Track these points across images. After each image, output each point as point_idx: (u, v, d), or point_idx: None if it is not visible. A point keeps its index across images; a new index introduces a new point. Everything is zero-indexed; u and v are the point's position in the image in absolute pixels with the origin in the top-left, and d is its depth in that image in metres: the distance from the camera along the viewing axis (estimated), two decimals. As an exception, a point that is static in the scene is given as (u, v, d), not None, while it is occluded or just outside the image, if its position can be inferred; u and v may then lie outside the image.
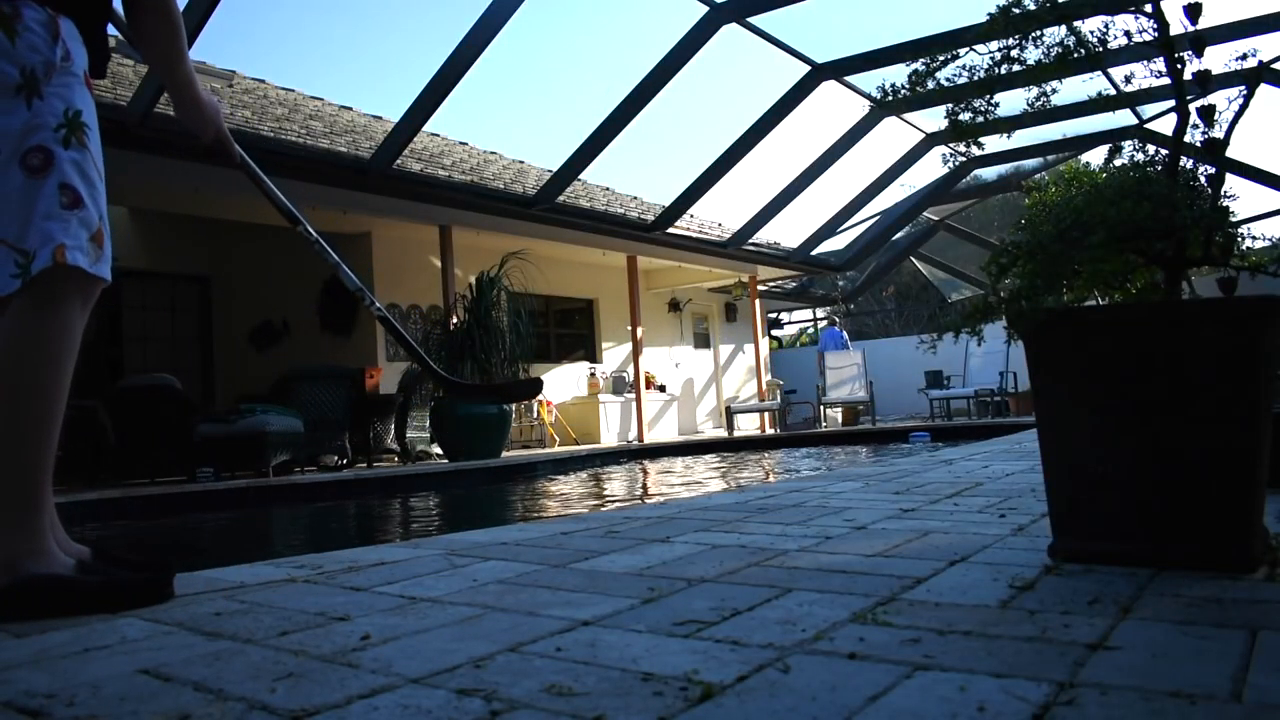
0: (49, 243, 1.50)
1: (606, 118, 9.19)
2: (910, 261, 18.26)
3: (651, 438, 13.01)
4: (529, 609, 1.44)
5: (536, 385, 2.70)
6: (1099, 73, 1.97)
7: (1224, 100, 1.75)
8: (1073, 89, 2.27)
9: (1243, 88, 1.76)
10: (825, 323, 17.34)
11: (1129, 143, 1.87)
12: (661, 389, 14.73)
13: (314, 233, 2.21)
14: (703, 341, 17.13)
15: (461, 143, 13.12)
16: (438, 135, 12.54)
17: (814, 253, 14.98)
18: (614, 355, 14.91)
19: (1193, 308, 1.61)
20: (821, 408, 14.81)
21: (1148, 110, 10.92)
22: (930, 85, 1.94)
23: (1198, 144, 1.75)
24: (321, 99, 12.06)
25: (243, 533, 5.86)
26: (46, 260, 1.49)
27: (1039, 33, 1.82)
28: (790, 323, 23.02)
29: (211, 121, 1.96)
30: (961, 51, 1.87)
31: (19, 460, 1.51)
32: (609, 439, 12.97)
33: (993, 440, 6.31)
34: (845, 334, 16.91)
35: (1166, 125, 3.66)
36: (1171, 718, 0.86)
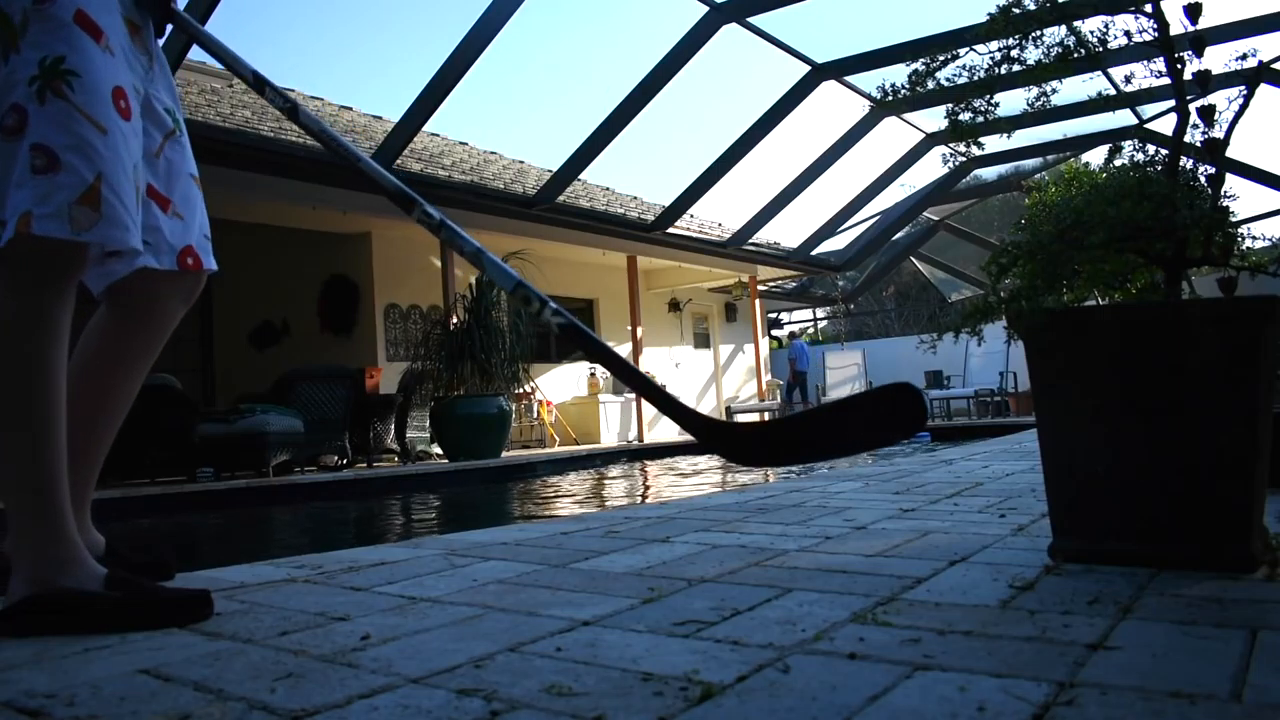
0: (15, 212, 1.35)
1: (607, 118, 9.19)
2: (910, 261, 18.27)
3: (651, 438, 13.01)
4: (529, 609, 1.44)
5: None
6: (1099, 73, 1.97)
7: (1224, 100, 1.75)
8: (1073, 89, 2.27)
9: (1243, 88, 1.77)
10: (800, 334, 17.56)
11: (1129, 143, 1.87)
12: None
13: (437, 214, 1.67)
14: (703, 341, 17.12)
15: (461, 143, 13.12)
16: (438, 135, 12.54)
17: (814, 253, 14.98)
18: (614, 355, 14.89)
19: (1193, 308, 1.61)
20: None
21: (1148, 110, 10.93)
22: (930, 85, 1.94)
23: (1198, 144, 1.75)
24: (321, 99, 12.06)
25: (243, 533, 5.86)
26: (10, 231, 1.35)
27: (1039, 33, 1.82)
28: (790, 323, 23.04)
29: None
30: (961, 51, 1.87)
31: (9, 470, 1.40)
32: (609, 439, 12.96)
33: (993, 440, 6.31)
34: (805, 344, 17.11)
35: (1166, 125, 3.67)
36: (1171, 718, 0.86)
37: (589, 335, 1.50)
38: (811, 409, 1.45)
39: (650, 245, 12.34)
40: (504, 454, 9.31)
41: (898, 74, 1.98)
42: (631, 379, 1.46)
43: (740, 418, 14.97)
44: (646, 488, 7.45)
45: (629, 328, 13.26)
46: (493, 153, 13.43)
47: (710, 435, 1.45)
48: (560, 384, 13.47)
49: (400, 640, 1.26)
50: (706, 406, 16.58)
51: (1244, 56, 1.77)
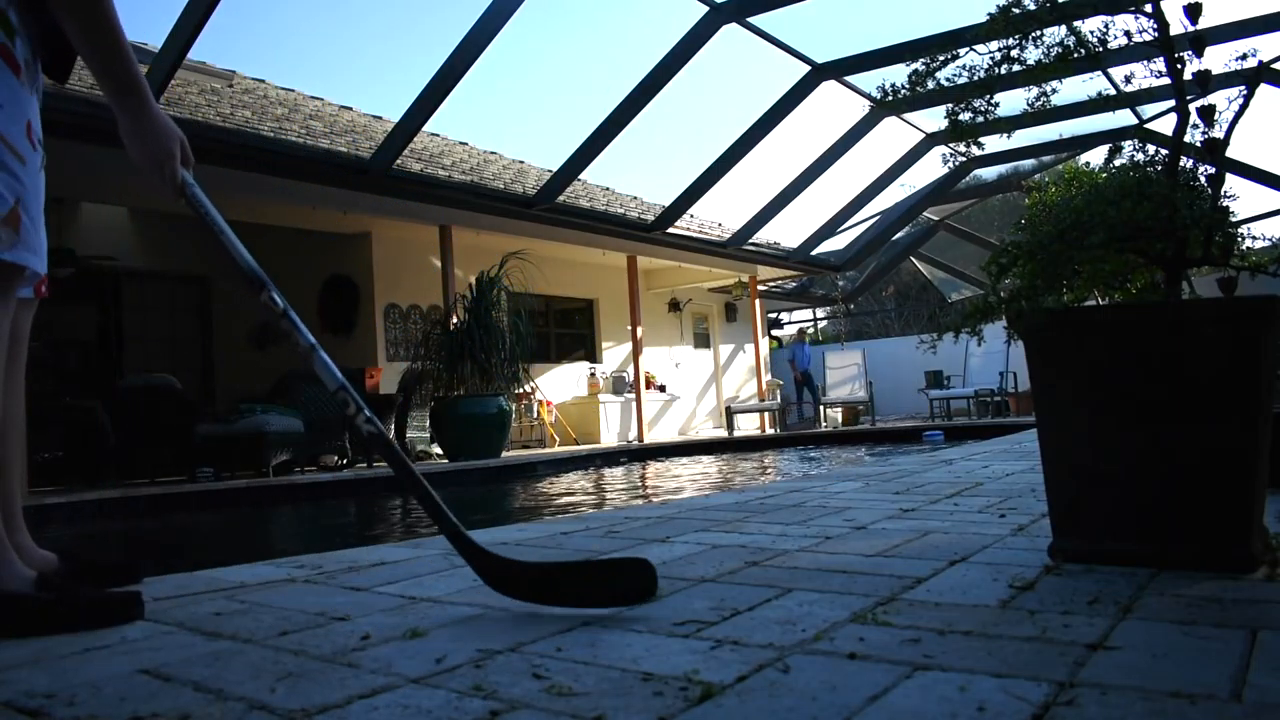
0: None
1: (606, 118, 9.19)
2: (910, 261, 18.26)
3: (651, 438, 13.01)
4: (529, 609, 1.44)
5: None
6: (1099, 73, 1.97)
7: (1224, 100, 1.76)
8: (1073, 89, 2.27)
9: (1243, 88, 1.77)
10: (796, 337, 17.37)
11: (1129, 143, 1.87)
12: (661, 389, 14.73)
13: (281, 301, 1.78)
14: (703, 341, 17.13)
15: (461, 143, 13.12)
16: (438, 135, 12.54)
17: (814, 253, 14.98)
18: (614, 355, 14.91)
19: (1193, 308, 1.61)
20: (821, 408, 14.81)
21: (1148, 110, 10.92)
22: (930, 85, 1.94)
23: (1198, 144, 1.75)
24: (321, 99, 12.06)
25: (243, 533, 5.86)
26: None
27: (1039, 33, 1.82)
28: (790, 323, 23.02)
29: (159, 154, 1.60)
30: (961, 51, 1.88)
31: None
32: (609, 439, 12.96)
33: (993, 440, 6.31)
34: (807, 345, 16.90)
35: (1166, 125, 3.68)
36: (1171, 718, 0.86)
37: (395, 451, 1.60)
38: (569, 564, 1.58)
39: (650, 245, 12.33)
40: (504, 454, 9.31)
41: (898, 74, 1.98)
42: (427, 502, 1.54)
43: (740, 418, 14.97)
44: (646, 488, 7.45)
45: (629, 328, 13.26)
46: (493, 153, 13.43)
47: (483, 566, 1.51)
48: (560, 384, 13.47)
49: (400, 640, 1.26)
50: (707, 407, 16.60)
51: (1244, 56, 1.77)
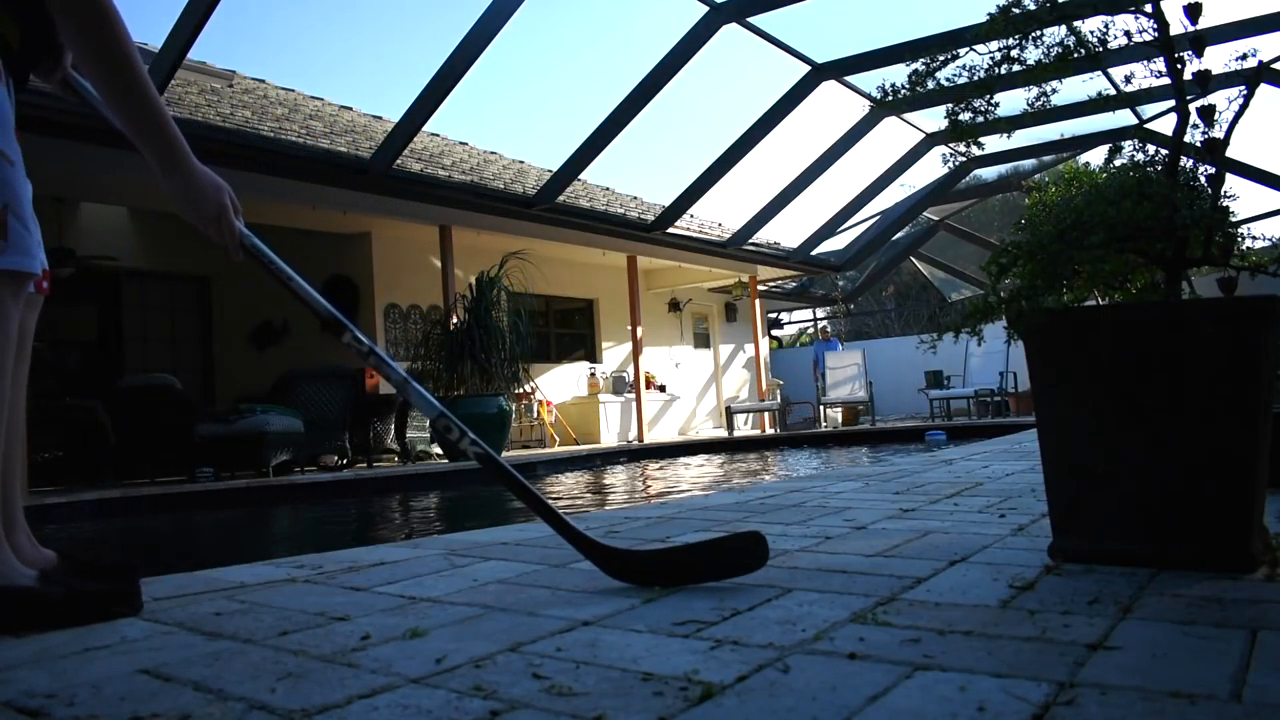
0: None
1: (606, 118, 9.18)
2: (910, 261, 18.26)
3: (651, 438, 13.00)
4: (529, 609, 1.44)
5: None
6: (1099, 73, 1.97)
7: (1224, 100, 1.76)
8: (1073, 89, 2.27)
9: (1243, 88, 1.77)
10: (820, 332, 17.17)
11: (1129, 143, 1.87)
12: (661, 389, 14.73)
13: (366, 340, 1.74)
14: (703, 341, 17.12)
15: (461, 143, 13.12)
16: (438, 135, 12.54)
17: (814, 253, 14.98)
18: (614, 355, 14.91)
19: (1192, 308, 1.61)
20: (821, 408, 14.81)
21: (1148, 110, 10.92)
22: (930, 85, 1.94)
23: (1198, 144, 1.75)
24: (322, 99, 12.06)
25: (243, 533, 5.86)
26: None
27: (1039, 33, 1.82)
28: (790, 323, 23.03)
29: (211, 212, 1.60)
30: (961, 51, 1.88)
31: None
32: (609, 439, 12.96)
33: (993, 440, 6.31)
34: (834, 343, 16.71)
35: (1166, 125, 3.68)
36: (1171, 718, 0.86)
37: (504, 468, 1.64)
38: (681, 546, 1.68)
39: (650, 245, 12.33)
40: (504, 454, 9.31)
41: (898, 74, 1.98)
42: (540, 508, 1.63)
43: (740, 418, 14.97)
44: (646, 488, 7.45)
45: (629, 328, 13.26)
46: (493, 153, 13.43)
47: (602, 557, 1.61)
48: (560, 384, 13.47)
49: (400, 640, 1.26)
50: (707, 407, 16.60)
51: (1244, 56, 1.77)
